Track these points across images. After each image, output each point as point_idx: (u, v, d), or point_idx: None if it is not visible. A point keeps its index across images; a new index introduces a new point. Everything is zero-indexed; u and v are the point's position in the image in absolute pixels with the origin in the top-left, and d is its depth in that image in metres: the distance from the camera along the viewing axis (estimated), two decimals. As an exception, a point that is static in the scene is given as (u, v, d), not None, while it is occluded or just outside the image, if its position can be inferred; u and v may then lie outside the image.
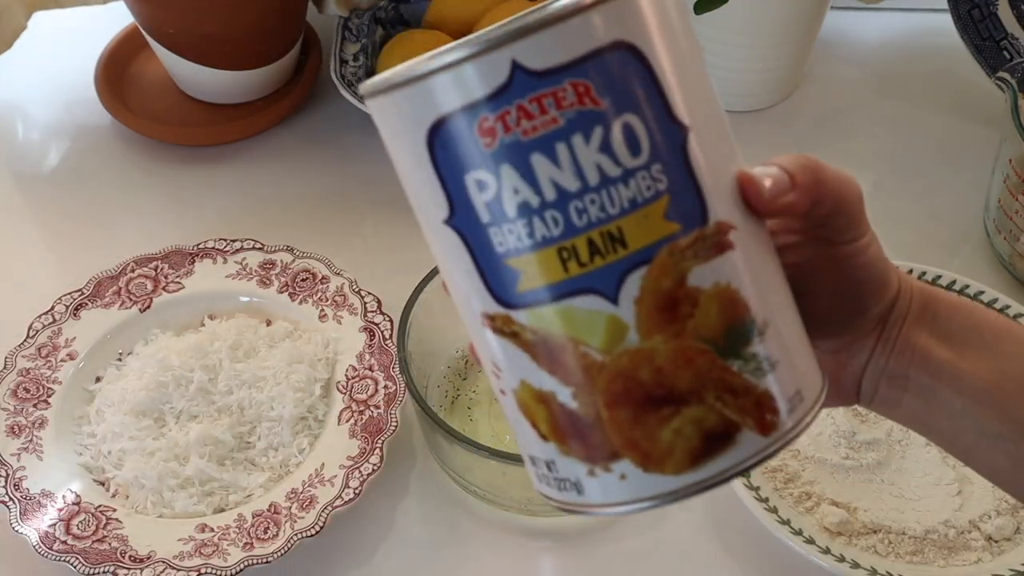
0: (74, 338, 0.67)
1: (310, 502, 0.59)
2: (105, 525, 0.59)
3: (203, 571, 0.56)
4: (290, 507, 0.59)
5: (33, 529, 0.57)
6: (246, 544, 0.57)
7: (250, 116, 0.85)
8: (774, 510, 0.58)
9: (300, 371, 0.64)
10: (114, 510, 0.60)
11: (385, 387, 0.64)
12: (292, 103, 0.87)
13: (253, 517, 0.59)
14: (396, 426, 0.61)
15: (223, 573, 0.56)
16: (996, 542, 0.59)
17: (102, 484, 0.62)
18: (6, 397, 0.64)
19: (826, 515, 0.59)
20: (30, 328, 0.67)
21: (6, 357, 0.66)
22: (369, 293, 0.69)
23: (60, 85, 0.92)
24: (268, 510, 0.59)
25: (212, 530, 0.58)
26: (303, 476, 0.60)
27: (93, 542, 0.57)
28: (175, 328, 0.69)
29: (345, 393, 0.64)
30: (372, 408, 0.63)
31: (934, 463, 0.62)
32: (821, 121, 0.89)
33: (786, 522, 0.58)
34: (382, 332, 0.66)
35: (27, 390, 0.65)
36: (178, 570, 0.56)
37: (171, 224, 0.80)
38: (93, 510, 0.59)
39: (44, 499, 0.59)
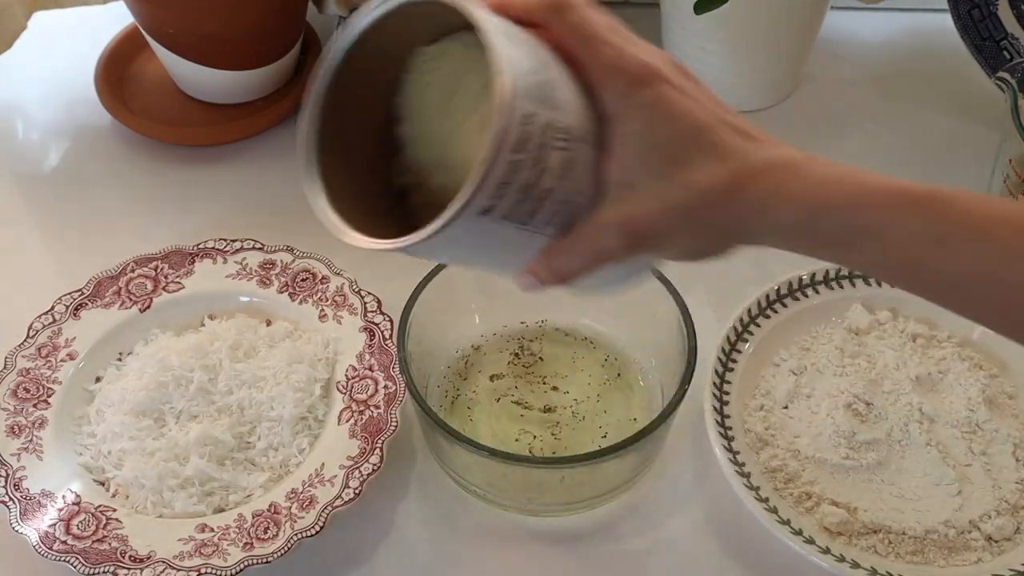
0: (74, 338, 0.67)
1: (310, 502, 0.59)
2: (105, 525, 0.59)
3: (203, 571, 0.56)
4: (290, 507, 0.59)
5: (33, 529, 0.57)
6: (246, 544, 0.57)
7: (250, 116, 0.85)
8: (774, 510, 0.58)
9: (300, 371, 0.64)
10: (114, 510, 0.60)
11: (385, 387, 0.64)
12: (292, 103, 0.87)
13: (253, 517, 0.59)
14: (396, 426, 0.61)
15: (223, 573, 0.56)
16: (996, 542, 0.59)
17: (102, 484, 0.62)
18: (6, 397, 0.64)
19: (826, 515, 0.59)
20: (30, 328, 0.67)
21: (6, 357, 0.66)
22: (369, 293, 0.69)
23: (60, 85, 0.92)
24: (268, 510, 0.59)
25: (212, 530, 0.58)
26: (303, 476, 0.60)
27: (93, 542, 0.57)
28: (175, 328, 0.69)
29: (345, 393, 0.64)
30: (372, 408, 0.63)
31: (934, 463, 0.62)
32: (821, 121, 0.89)
33: (786, 522, 0.58)
34: (382, 332, 0.66)
35: (27, 390, 0.65)
36: (178, 570, 0.56)
37: (171, 224, 0.80)
38: (93, 510, 0.59)
39: (44, 499, 0.59)
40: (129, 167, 0.85)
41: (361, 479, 0.59)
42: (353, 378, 0.65)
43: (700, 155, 0.40)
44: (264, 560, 0.56)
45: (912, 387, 0.65)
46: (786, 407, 0.65)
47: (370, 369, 0.65)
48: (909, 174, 0.89)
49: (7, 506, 0.59)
